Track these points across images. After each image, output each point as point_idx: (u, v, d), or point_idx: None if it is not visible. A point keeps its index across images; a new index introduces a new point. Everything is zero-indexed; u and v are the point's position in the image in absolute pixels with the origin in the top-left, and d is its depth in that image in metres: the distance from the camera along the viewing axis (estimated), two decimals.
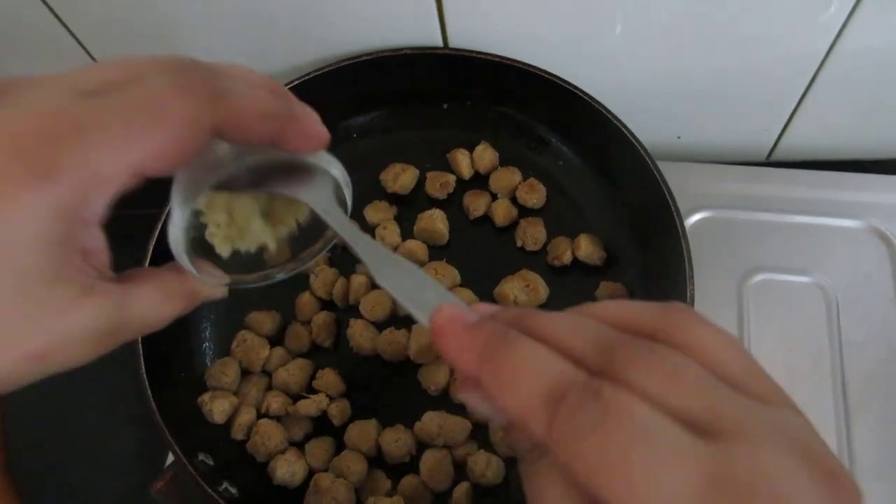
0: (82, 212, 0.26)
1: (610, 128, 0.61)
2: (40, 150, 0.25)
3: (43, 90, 0.26)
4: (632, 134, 0.61)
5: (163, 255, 0.60)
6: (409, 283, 0.31)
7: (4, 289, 0.25)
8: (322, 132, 0.32)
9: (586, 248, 0.62)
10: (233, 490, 0.55)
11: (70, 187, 0.25)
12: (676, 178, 0.69)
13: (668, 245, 0.58)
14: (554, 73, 0.63)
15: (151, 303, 0.31)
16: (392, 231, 0.65)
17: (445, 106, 0.70)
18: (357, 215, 0.66)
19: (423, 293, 0.30)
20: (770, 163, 0.77)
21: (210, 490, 0.52)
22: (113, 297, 0.29)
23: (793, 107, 0.70)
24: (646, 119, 0.71)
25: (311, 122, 0.32)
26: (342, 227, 0.34)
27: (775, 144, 0.75)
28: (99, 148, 0.26)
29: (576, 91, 0.62)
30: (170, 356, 0.60)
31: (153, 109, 0.26)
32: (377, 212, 0.66)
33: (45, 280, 0.26)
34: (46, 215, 0.25)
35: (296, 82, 0.65)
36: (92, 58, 0.65)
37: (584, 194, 0.66)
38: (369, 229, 0.66)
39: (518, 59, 0.64)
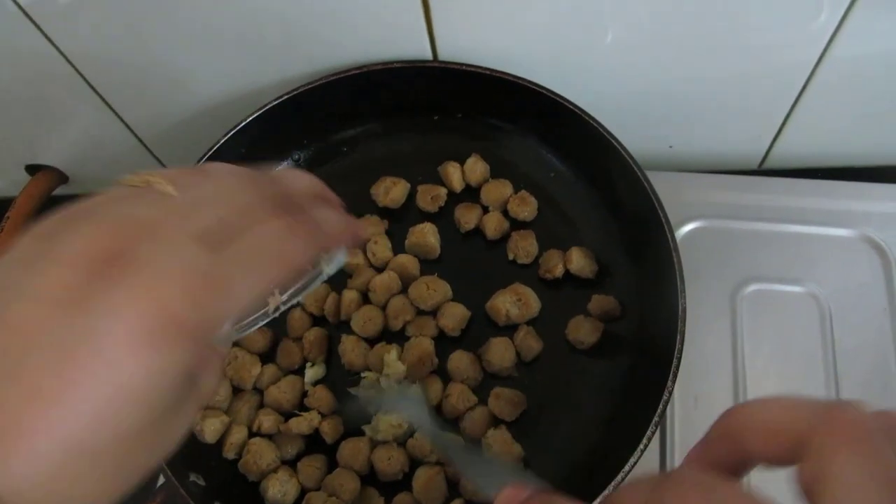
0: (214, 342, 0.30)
1: (600, 139, 0.61)
2: (188, 313, 0.26)
3: (166, 244, 0.27)
4: (621, 145, 0.61)
5: None
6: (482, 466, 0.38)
7: (137, 425, 0.26)
8: (363, 232, 0.39)
9: (578, 261, 0.62)
10: None
11: (212, 335, 0.28)
12: (669, 188, 0.68)
13: (659, 258, 0.57)
14: (544, 85, 0.63)
15: (211, 387, 0.32)
16: (383, 245, 0.64)
17: (436, 118, 0.70)
18: None
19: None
20: (762, 171, 0.77)
21: None
22: (198, 399, 0.30)
23: (784, 115, 0.70)
24: (637, 128, 0.70)
25: (358, 228, 0.38)
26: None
27: (767, 152, 0.75)
28: (236, 298, 0.28)
29: (565, 103, 0.62)
30: None
31: (275, 256, 0.30)
32: (368, 226, 0.66)
33: (172, 411, 0.28)
34: (188, 361, 0.27)
35: (286, 97, 0.65)
36: (83, 77, 0.65)
37: (576, 206, 0.66)
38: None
39: (508, 71, 0.63)
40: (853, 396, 0.61)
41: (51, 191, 0.74)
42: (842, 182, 0.70)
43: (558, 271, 0.62)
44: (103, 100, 0.68)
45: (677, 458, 0.59)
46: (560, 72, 0.65)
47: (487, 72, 0.64)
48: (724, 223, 0.69)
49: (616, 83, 0.67)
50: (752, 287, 0.66)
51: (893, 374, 0.61)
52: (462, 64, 0.64)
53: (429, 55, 0.65)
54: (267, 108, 0.65)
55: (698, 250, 0.67)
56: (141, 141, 0.73)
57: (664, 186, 0.68)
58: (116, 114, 0.70)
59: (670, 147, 0.75)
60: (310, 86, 0.65)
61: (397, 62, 0.65)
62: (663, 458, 0.60)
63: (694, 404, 0.62)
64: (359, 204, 0.67)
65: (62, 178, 0.76)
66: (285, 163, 0.70)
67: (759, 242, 0.68)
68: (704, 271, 0.66)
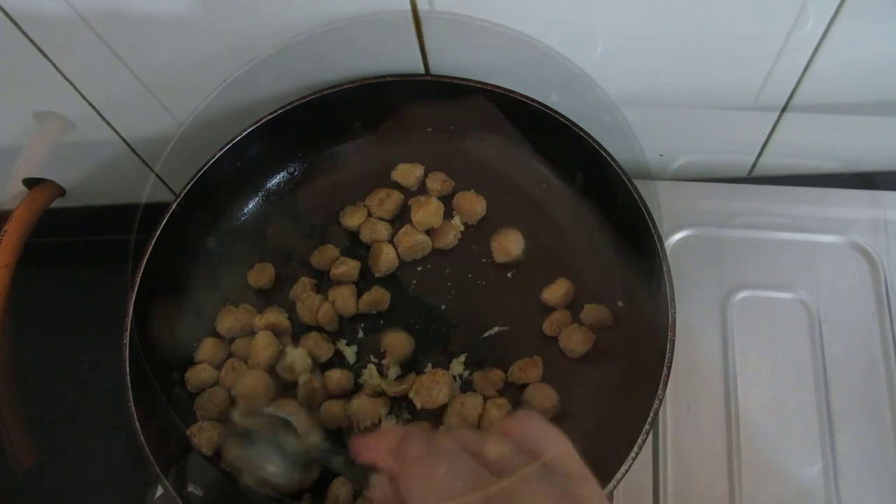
0: None
1: (589, 150, 0.62)
2: None
3: None
4: (611, 156, 0.61)
5: (150, 281, 0.61)
6: None
7: None
8: None
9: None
10: None
11: None
12: (659, 197, 0.69)
13: (649, 268, 0.58)
14: (532, 97, 0.64)
15: None
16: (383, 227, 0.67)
17: (429, 130, 0.70)
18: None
19: None
20: (752, 178, 0.78)
21: None
22: None
23: (773, 123, 0.70)
24: (627, 138, 0.71)
25: None
26: None
27: (757, 160, 0.76)
28: None
29: (554, 114, 0.63)
30: (159, 386, 0.60)
31: None
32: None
33: None
34: None
35: (280, 111, 0.66)
36: (79, 92, 0.65)
37: (566, 216, 0.67)
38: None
39: (498, 83, 0.64)
40: (842, 400, 0.61)
41: (48, 204, 0.74)
42: (830, 189, 0.71)
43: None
44: (100, 114, 0.69)
45: (670, 464, 0.60)
46: (550, 83, 0.66)
47: (477, 85, 0.64)
48: (715, 231, 0.70)
49: (601, 91, 0.68)
50: (742, 294, 0.66)
51: (882, 378, 0.62)
52: (454, 77, 0.65)
53: (421, 69, 0.66)
54: (261, 122, 0.65)
55: (689, 258, 0.68)
56: (138, 155, 0.74)
57: (654, 195, 0.68)
58: (113, 128, 0.71)
59: (661, 156, 0.76)
60: (304, 100, 0.66)
61: (390, 76, 0.66)
62: (656, 465, 0.60)
63: (686, 410, 0.62)
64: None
65: (60, 191, 0.76)
66: (280, 175, 0.71)
67: (750, 250, 0.68)
68: (695, 279, 0.67)
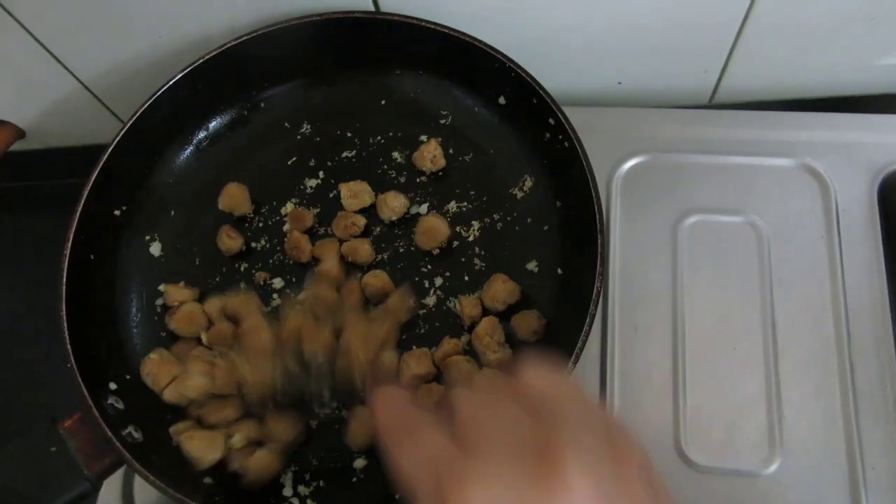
0: None
1: (525, 84, 0.62)
2: None
3: None
4: (546, 92, 0.61)
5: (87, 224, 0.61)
6: None
7: None
8: None
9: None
10: (136, 435, 0.56)
11: None
12: (617, 123, 0.69)
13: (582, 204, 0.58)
14: (478, 37, 0.63)
15: None
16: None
17: (372, 70, 0.70)
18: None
19: None
20: (713, 105, 0.77)
21: (111, 434, 0.53)
22: None
23: (729, 46, 0.69)
24: (586, 66, 0.71)
25: None
26: None
27: (716, 87, 0.75)
28: None
29: (479, 45, 0.63)
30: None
31: None
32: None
33: None
34: None
35: (227, 46, 0.65)
36: (30, 33, 0.65)
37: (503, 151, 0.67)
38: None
39: (445, 23, 0.63)
40: (787, 319, 0.62)
41: (8, 146, 0.75)
42: (785, 112, 0.70)
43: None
44: (51, 54, 0.69)
45: (617, 388, 0.61)
46: (503, 20, 0.66)
47: (431, 25, 0.63)
48: (670, 157, 0.69)
49: (563, 21, 0.67)
50: (693, 218, 0.66)
51: (827, 297, 0.62)
52: (404, 16, 0.64)
53: (370, 6, 0.65)
54: (208, 57, 0.65)
55: (642, 184, 0.68)
56: (93, 94, 0.74)
57: (612, 121, 0.69)
58: (66, 68, 0.71)
59: (619, 84, 0.75)
60: (253, 34, 0.65)
61: (337, 12, 0.65)
62: (602, 388, 0.61)
63: (634, 333, 0.63)
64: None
65: (19, 133, 0.76)
66: (220, 117, 0.70)
67: (703, 174, 0.68)
68: (647, 204, 0.67)
